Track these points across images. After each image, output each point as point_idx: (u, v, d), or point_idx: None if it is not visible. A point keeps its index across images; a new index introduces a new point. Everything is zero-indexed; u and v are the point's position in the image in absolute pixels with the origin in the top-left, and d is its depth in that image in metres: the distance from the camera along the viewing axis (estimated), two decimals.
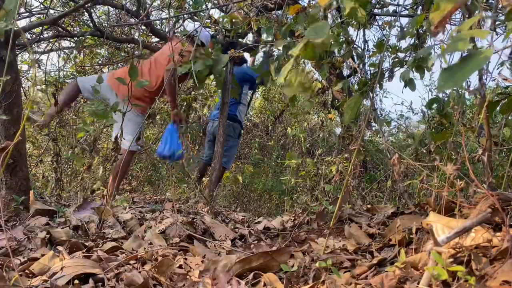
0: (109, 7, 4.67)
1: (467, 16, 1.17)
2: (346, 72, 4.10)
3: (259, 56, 4.40)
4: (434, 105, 2.56)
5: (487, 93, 1.61)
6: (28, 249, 1.58)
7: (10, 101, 2.13)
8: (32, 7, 4.16)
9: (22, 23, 4.52)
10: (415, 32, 2.27)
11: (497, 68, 1.90)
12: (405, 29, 2.09)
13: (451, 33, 0.92)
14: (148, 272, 1.27)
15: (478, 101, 1.52)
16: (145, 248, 1.60)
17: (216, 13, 6.78)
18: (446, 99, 2.22)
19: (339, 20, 2.31)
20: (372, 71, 2.74)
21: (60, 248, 1.54)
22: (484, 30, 0.90)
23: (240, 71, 4.13)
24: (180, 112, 3.39)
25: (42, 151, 4.87)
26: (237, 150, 4.91)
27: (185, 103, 5.36)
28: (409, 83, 2.11)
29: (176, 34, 3.59)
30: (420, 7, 2.79)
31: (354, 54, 3.56)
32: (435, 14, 0.92)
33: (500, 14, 1.72)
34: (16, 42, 2.69)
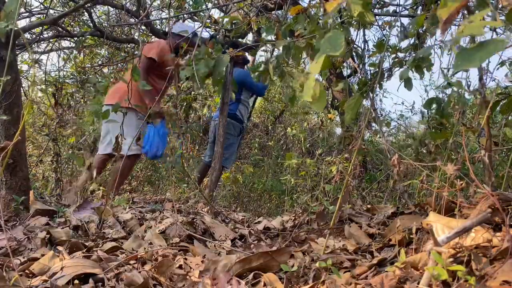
0: (109, 7, 4.67)
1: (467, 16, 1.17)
2: (346, 72, 4.11)
3: (259, 55, 4.40)
4: (433, 105, 2.55)
5: (487, 94, 1.61)
6: (28, 249, 1.58)
7: (10, 101, 2.13)
8: (32, 7, 4.17)
9: (22, 23, 4.53)
10: (415, 32, 2.27)
11: (497, 69, 1.91)
12: (407, 30, 2.10)
13: (458, 29, 0.92)
14: (148, 272, 1.27)
15: (478, 101, 1.52)
16: (145, 248, 1.60)
17: (216, 13, 6.78)
18: (446, 99, 2.22)
19: (339, 20, 2.31)
20: (372, 71, 2.74)
21: (60, 248, 1.54)
22: (497, 21, 0.90)
23: (241, 78, 4.13)
24: (159, 110, 3.34)
25: (42, 151, 4.87)
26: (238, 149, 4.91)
27: (185, 103, 5.36)
28: (407, 82, 2.11)
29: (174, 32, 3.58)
30: (420, 7, 2.79)
31: (354, 54, 3.57)
32: (443, 11, 0.92)
33: (500, 14, 1.73)
34: (16, 42, 2.69)
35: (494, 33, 1.80)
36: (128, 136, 3.08)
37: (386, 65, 2.77)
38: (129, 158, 3.25)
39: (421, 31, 2.24)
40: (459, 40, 0.94)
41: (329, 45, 1.21)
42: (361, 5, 1.31)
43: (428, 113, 3.87)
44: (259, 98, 7.68)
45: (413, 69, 1.80)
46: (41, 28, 3.76)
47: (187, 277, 1.30)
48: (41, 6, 4.25)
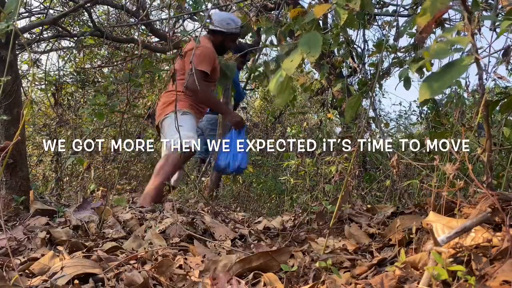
0: (109, 7, 4.67)
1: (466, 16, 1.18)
2: (345, 72, 4.11)
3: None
4: (429, 104, 2.55)
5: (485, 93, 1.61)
6: (28, 249, 1.58)
7: (10, 101, 2.13)
8: (32, 7, 4.17)
9: (22, 23, 4.53)
10: (415, 31, 2.27)
11: (495, 68, 1.91)
12: (401, 28, 2.10)
13: (434, 39, 0.93)
14: (148, 272, 1.27)
15: (477, 100, 1.52)
16: (145, 248, 1.60)
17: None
18: (445, 100, 2.22)
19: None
20: (372, 71, 2.75)
21: (60, 248, 1.54)
22: (464, 37, 0.92)
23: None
24: (236, 115, 3.04)
25: (42, 151, 4.87)
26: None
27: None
28: (405, 82, 2.12)
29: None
30: (420, 7, 2.79)
31: (353, 54, 3.57)
32: (422, 19, 0.93)
33: (500, 14, 1.73)
34: (16, 42, 2.69)
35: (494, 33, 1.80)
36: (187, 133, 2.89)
37: (386, 65, 2.78)
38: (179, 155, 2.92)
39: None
40: (426, 63, 0.96)
41: (307, 47, 1.21)
42: (347, 13, 1.33)
43: (426, 113, 3.88)
44: (258, 98, 7.69)
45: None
46: (41, 28, 3.76)
47: (187, 277, 1.30)
48: (41, 6, 4.25)
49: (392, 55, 2.49)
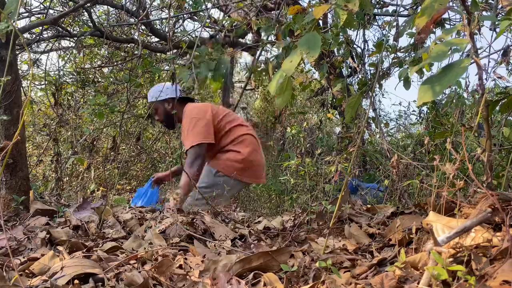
0: (109, 7, 4.67)
1: (466, 16, 1.18)
2: (345, 72, 4.11)
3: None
4: (429, 104, 2.55)
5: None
6: (28, 249, 1.58)
7: (10, 101, 2.13)
8: (32, 7, 4.17)
9: (22, 23, 4.53)
10: (415, 32, 2.27)
11: (495, 68, 1.91)
12: (401, 28, 2.11)
13: (433, 41, 0.94)
14: (148, 272, 1.27)
15: (477, 100, 1.52)
16: (145, 248, 1.60)
17: (216, 13, 6.78)
18: (445, 100, 2.22)
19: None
20: (372, 71, 2.75)
21: (60, 248, 1.54)
22: (463, 39, 0.92)
23: None
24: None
25: (42, 151, 4.87)
26: None
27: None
28: (405, 82, 2.12)
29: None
30: (420, 7, 2.79)
31: (353, 54, 3.57)
32: (421, 20, 0.93)
33: (500, 14, 1.73)
34: (16, 42, 2.70)
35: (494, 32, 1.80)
36: None
37: (386, 64, 2.78)
38: None
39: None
40: (424, 66, 0.96)
41: (307, 47, 1.22)
42: (346, 13, 1.33)
43: (425, 113, 3.88)
44: (258, 98, 7.70)
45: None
46: (41, 28, 3.76)
47: (187, 277, 1.30)
48: (41, 6, 4.25)
49: (392, 55, 2.49)
